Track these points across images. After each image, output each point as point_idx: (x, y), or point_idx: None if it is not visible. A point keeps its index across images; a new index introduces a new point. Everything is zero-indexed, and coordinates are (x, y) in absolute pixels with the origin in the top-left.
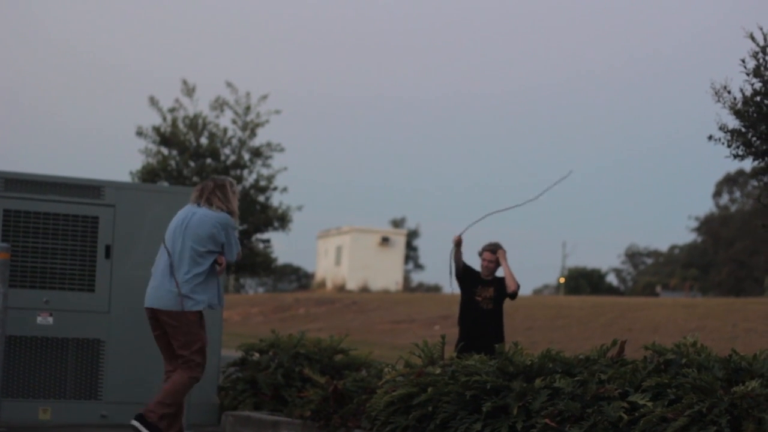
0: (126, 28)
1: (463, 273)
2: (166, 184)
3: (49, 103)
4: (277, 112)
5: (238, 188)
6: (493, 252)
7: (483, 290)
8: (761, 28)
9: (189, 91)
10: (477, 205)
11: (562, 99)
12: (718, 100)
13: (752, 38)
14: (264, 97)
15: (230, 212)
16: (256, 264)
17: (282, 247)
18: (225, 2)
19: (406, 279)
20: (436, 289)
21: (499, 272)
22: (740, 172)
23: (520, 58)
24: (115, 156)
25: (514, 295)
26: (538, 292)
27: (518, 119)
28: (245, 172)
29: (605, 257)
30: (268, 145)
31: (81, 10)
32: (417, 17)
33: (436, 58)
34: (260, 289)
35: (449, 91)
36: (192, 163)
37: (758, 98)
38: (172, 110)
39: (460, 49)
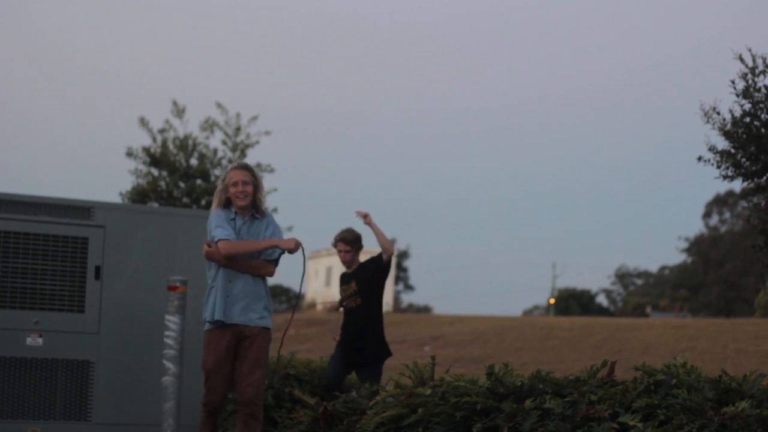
0: (117, 48)
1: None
2: (156, 205)
3: (38, 122)
4: (267, 133)
5: (232, 173)
6: (346, 242)
7: (346, 289)
8: (750, 50)
9: (179, 111)
10: (468, 225)
11: (553, 119)
12: (708, 121)
13: (741, 60)
14: (254, 118)
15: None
16: None
17: None
18: (216, 23)
19: (397, 300)
20: (426, 309)
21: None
22: (730, 193)
23: (509, 75)
24: (105, 176)
25: (387, 266)
26: (528, 312)
27: (508, 138)
28: None
29: (595, 278)
30: (258, 165)
31: (70, 26)
32: (404, 38)
33: (424, 77)
34: None
35: (439, 111)
36: (182, 184)
37: (747, 119)
38: (162, 131)
39: (449, 67)
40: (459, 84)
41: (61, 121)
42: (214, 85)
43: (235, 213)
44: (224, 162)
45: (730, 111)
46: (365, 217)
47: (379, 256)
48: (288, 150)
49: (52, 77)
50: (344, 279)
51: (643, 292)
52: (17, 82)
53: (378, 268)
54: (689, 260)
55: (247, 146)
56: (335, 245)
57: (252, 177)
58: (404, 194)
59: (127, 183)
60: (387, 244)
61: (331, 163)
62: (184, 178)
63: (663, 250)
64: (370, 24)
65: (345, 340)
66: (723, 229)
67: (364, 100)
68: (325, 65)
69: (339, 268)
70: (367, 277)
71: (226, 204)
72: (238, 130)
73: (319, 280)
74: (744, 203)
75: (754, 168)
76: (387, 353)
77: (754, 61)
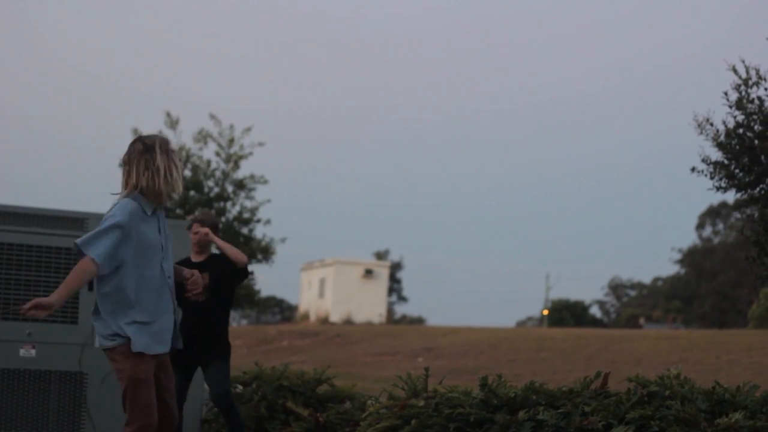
0: (110, 58)
1: None
2: None
3: (31, 132)
4: (261, 144)
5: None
6: (205, 224)
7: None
8: (743, 61)
9: (172, 123)
10: (462, 236)
11: (545, 129)
12: (701, 133)
13: (735, 71)
14: (247, 130)
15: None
16: (240, 296)
17: (265, 279)
18: (209, 33)
19: (390, 311)
20: (419, 321)
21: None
22: (723, 204)
23: (502, 84)
24: (98, 188)
25: (245, 271)
26: (521, 324)
27: (500, 148)
28: (228, 204)
29: (589, 289)
30: (252, 177)
31: (63, 34)
32: (396, 44)
33: (416, 85)
34: (243, 322)
35: (431, 119)
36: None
37: (741, 131)
38: None
39: (441, 74)
40: (452, 91)
41: (54, 131)
42: (207, 91)
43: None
44: (217, 173)
45: (724, 122)
46: (206, 234)
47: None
48: (281, 159)
49: (45, 86)
50: (195, 267)
51: (636, 304)
52: (10, 90)
53: (235, 270)
54: (682, 271)
55: (241, 157)
56: (190, 227)
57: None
58: (398, 205)
59: None
60: (238, 256)
61: (323, 174)
62: None
63: (656, 261)
64: (364, 30)
65: (186, 337)
66: (716, 240)
67: (359, 113)
68: (318, 71)
69: (332, 279)
70: (223, 273)
71: None
72: (231, 141)
73: (313, 291)
74: (737, 214)
75: (747, 179)
76: (229, 351)
77: (747, 72)
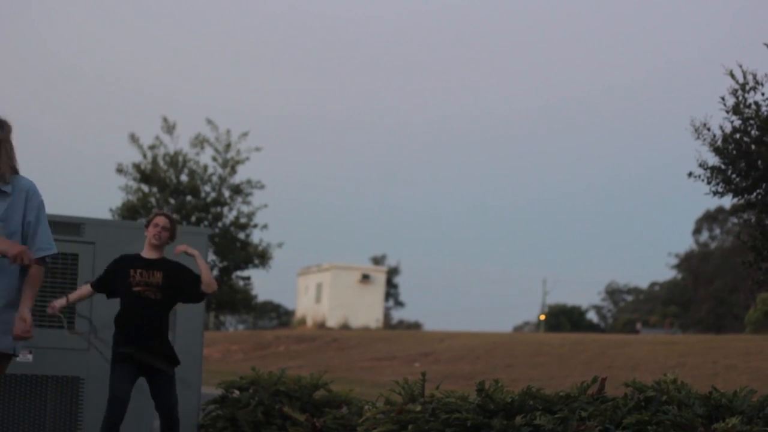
0: (108, 62)
1: (110, 275)
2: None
3: (28, 136)
4: (258, 149)
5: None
6: (171, 221)
7: (146, 275)
8: (741, 66)
9: (169, 128)
10: (458, 241)
11: (541, 133)
12: (698, 138)
13: (732, 76)
14: (244, 134)
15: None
16: (236, 301)
17: (262, 284)
18: (207, 36)
19: (387, 316)
20: (416, 326)
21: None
22: (720, 209)
23: (498, 87)
24: (95, 193)
25: (204, 296)
26: (518, 329)
27: (497, 153)
28: (225, 209)
29: (585, 294)
30: (249, 182)
31: (60, 38)
32: (393, 46)
33: (412, 89)
34: (240, 327)
35: (428, 124)
36: (172, 200)
37: (738, 135)
38: (152, 147)
39: (437, 77)
40: (449, 94)
41: (50, 134)
42: (204, 94)
43: None
44: (214, 178)
45: (721, 127)
46: (187, 252)
47: (199, 279)
48: (278, 163)
49: (43, 89)
50: (147, 263)
51: (633, 309)
52: (8, 91)
53: (193, 287)
54: (679, 276)
55: (238, 162)
56: (151, 220)
57: None
58: (395, 209)
59: (118, 199)
60: (211, 282)
61: (320, 178)
62: (174, 195)
63: (653, 266)
64: (362, 33)
65: (136, 335)
66: (713, 245)
67: (354, 114)
68: (315, 75)
69: (329, 284)
70: (178, 280)
71: None
72: (228, 146)
73: (309, 296)
74: (734, 219)
75: (744, 184)
76: (177, 359)
77: (744, 77)
